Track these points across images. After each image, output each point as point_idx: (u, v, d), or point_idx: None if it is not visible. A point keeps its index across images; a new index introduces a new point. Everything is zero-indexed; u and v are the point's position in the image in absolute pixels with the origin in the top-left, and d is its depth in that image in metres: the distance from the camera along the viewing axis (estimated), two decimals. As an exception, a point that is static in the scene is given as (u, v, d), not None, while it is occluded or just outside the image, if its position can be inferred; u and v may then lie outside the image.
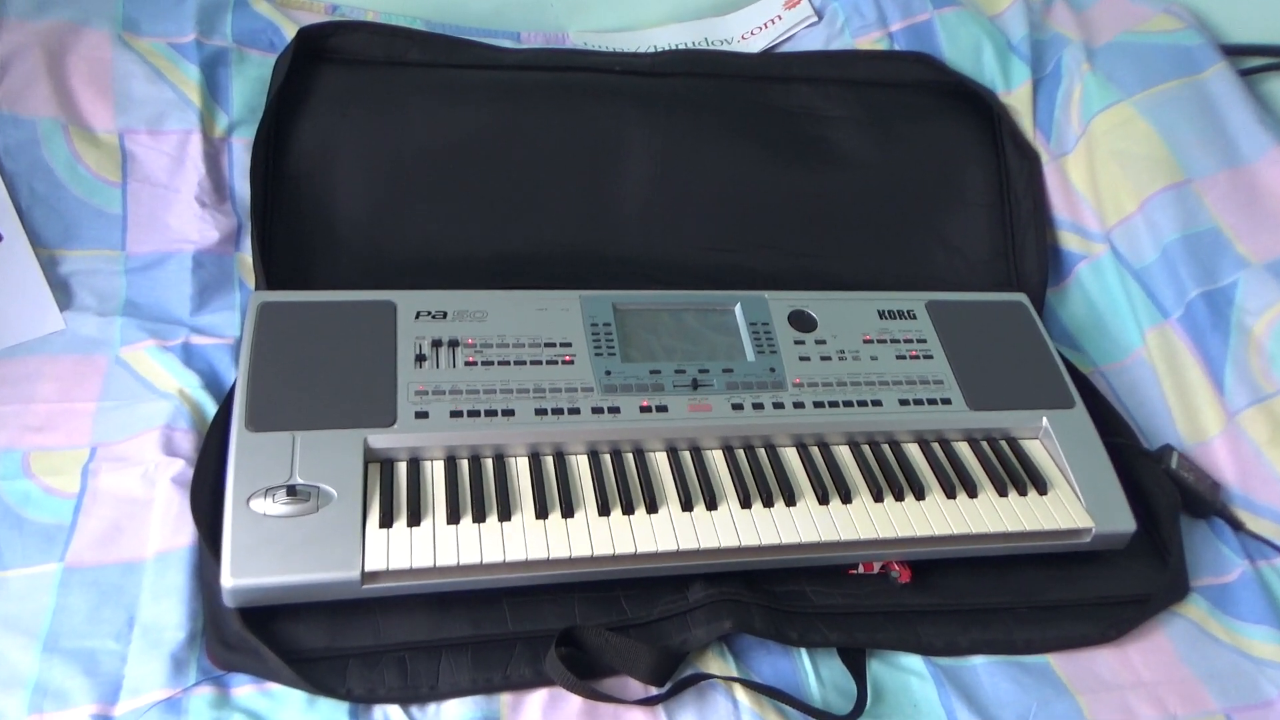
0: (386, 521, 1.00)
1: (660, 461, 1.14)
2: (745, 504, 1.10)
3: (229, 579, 0.94)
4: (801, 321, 1.29)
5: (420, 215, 1.41)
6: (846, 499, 1.12)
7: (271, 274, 1.30)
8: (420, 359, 1.14)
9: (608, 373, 1.17)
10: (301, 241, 1.35)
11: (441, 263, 1.39)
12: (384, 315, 1.17)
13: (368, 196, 1.39)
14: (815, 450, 1.19)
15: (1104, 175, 1.51)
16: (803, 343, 1.26)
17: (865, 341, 1.28)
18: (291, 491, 0.99)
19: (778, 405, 1.19)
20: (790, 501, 1.11)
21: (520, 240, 1.43)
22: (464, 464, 1.09)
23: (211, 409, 1.19)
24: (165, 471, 1.09)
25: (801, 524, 1.09)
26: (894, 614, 1.10)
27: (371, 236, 1.39)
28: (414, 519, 1.01)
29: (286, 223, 1.35)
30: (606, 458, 1.13)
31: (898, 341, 1.29)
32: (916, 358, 1.28)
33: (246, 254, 1.35)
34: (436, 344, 1.16)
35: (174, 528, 1.05)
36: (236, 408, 1.06)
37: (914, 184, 1.58)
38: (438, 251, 1.40)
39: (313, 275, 1.34)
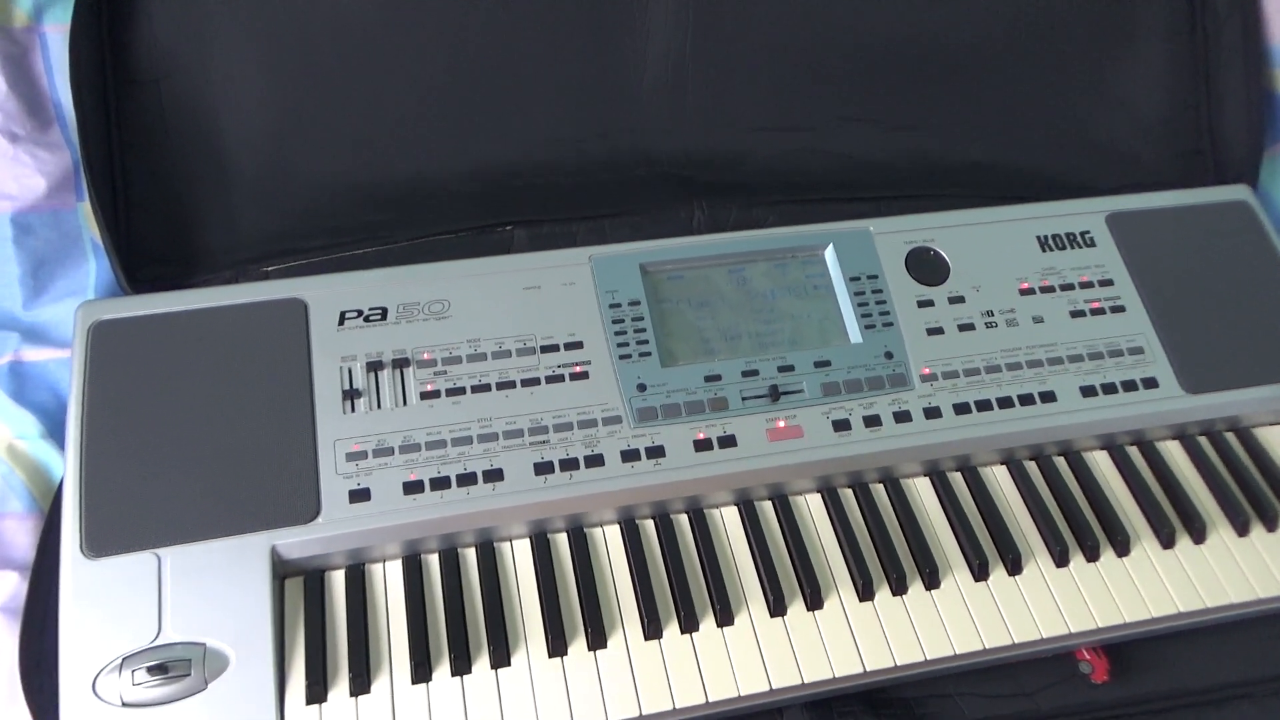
0: (317, 693, 0.64)
1: (730, 527, 0.75)
2: (865, 594, 0.72)
3: (72, 825, 0.60)
4: (926, 266, 0.86)
5: (348, 124, 0.96)
6: (1015, 567, 0.74)
7: (130, 245, 0.89)
8: (351, 396, 0.74)
9: (641, 386, 0.77)
10: (170, 184, 0.92)
11: (385, 196, 0.97)
12: (290, 323, 0.76)
13: (266, 102, 0.96)
14: (959, 479, 0.80)
15: (1361, -20, 1.00)
16: (930, 303, 0.84)
17: (1023, 292, 0.86)
18: (160, 669, 0.63)
19: (901, 416, 0.79)
20: (932, 582, 0.73)
21: (499, 149, 0.99)
22: (433, 563, 0.72)
23: (58, 467, 0.80)
24: (-9, 595, 0.73)
25: (953, 622, 0.71)
26: (1084, 722, 0.75)
27: (278, 164, 0.96)
28: (361, 681, 0.65)
29: (144, 156, 0.91)
30: (649, 527, 0.75)
31: (1071, 288, 0.87)
32: (1101, 312, 0.86)
33: (98, 203, 0.91)
34: (375, 367, 0.75)
35: (9, 690, 0.69)
36: (67, 517, 0.67)
37: (1061, 10, 1.07)
38: (378, 179, 0.97)
39: (195, 238, 0.91)
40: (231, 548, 0.67)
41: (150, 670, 0.62)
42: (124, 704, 0.62)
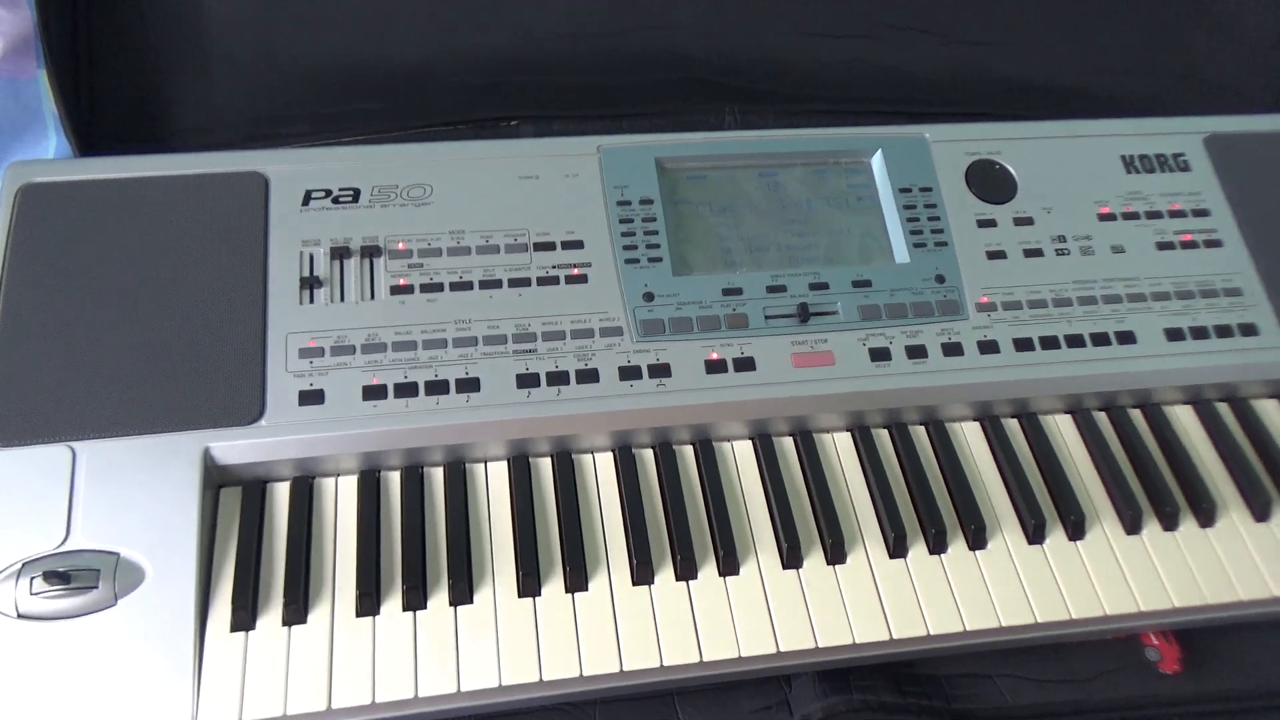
0: (243, 619, 0.55)
1: (742, 462, 0.65)
2: (897, 550, 0.61)
3: (-55, 751, 0.51)
4: (990, 181, 0.74)
5: (338, -2, 0.85)
6: (1078, 531, 0.63)
7: (91, 119, 0.81)
8: (310, 285, 0.64)
9: (648, 296, 0.66)
10: (139, 54, 0.83)
11: (378, 83, 0.88)
12: (246, 199, 0.66)
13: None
14: (1015, 426, 0.68)
15: None
16: (993, 223, 0.72)
17: (1102, 217, 0.74)
18: (59, 576, 0.53)
19: (951, 348, 0.67)
20: (977, 542, 0.62)
21: (508, 38, 0.90)
22: (393, 481, 0.62)
23: None
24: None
25: (1000, 589, 0.60)
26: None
27: (261, 39, 0.87)
28: (296, 609, 0.56)
29: (111, 20, 0.82)
30: (647, 457, 0.65)
31: (1159, 216, 0.74)
32: (1193, 245, 0.73)
33: (60, 73, 0.82)
34: (340, 254, 0.65)
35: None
36: (-29, 397, 0.58)
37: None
38: (371, 64, 0.87)
39: (163, 116, 0.83)
40: (158, 446, 0.58)
41: (50, 578, 0.53)
42: (19, 615, 0.53)
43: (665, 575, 0.59)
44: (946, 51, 0.94)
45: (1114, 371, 0.68)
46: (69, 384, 0.59)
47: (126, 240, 0.63)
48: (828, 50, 0.93)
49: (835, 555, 0.61)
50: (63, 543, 0.55)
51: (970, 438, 0.67)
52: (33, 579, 0.54)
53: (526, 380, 0.63)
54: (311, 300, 0.63)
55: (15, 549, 0.55)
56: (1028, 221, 0.73)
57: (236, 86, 0.85)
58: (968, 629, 0.59)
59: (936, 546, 0.62)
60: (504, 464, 0.63)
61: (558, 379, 0.63)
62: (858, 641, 0.58)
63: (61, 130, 0.84)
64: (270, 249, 0.64)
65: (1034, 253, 0.72)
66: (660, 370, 0.64)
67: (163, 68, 0.83)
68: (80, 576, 0.54)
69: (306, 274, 0.64)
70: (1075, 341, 0.69)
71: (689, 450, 0.65)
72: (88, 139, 0.80)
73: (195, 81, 0.84)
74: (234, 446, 0.59)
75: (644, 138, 0.72)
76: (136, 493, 0.57)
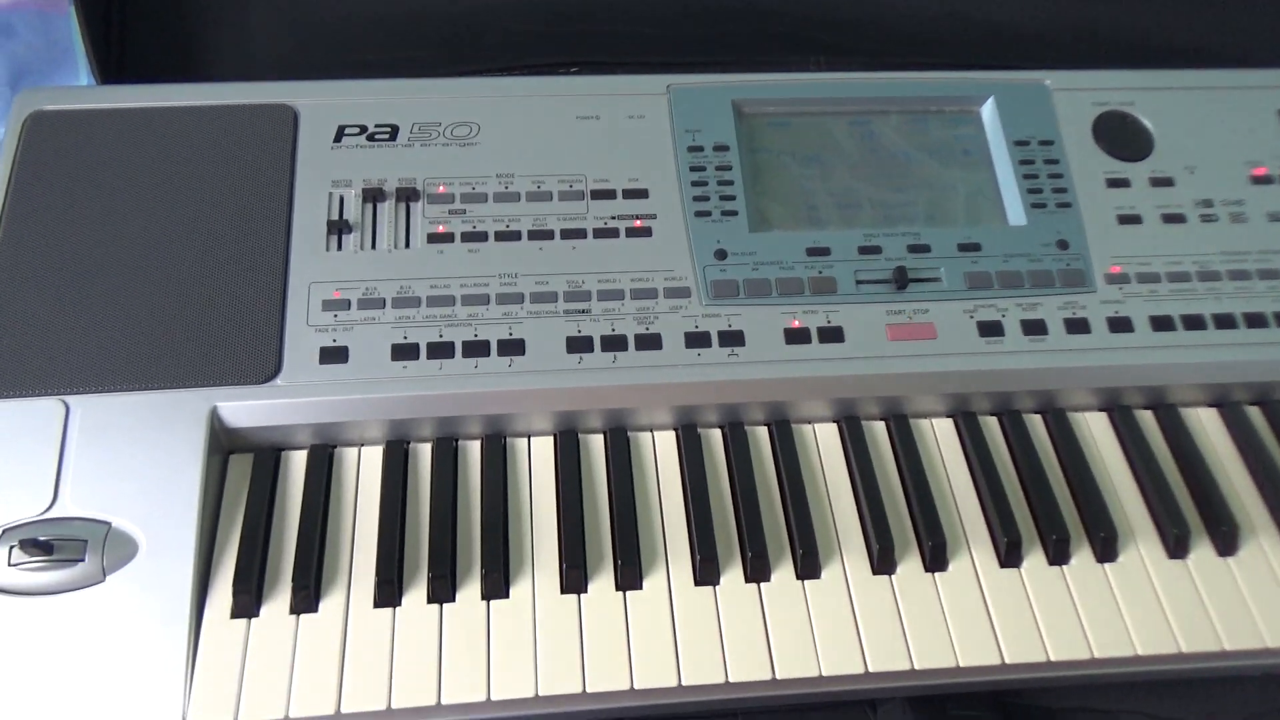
0: (245, 605, 0.48)
1: (826, 448, 0.56)
2: (1009, 558, 0.52)
3: (-95, 740, 0.45)
4: (1122, 136, 0.64)
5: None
6: (1228, 546, 0.53)
7: (121, 57, 0.76)
8: (339, 229, 0.57)
9: (720, 254, 0.57)
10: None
11: (430, 28, 0.82)
12: (273, 133, 0.59)
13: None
14: (1149, 419, 0.58)
15: None
16: (1125, 183, 0.62)
17: (1256, 180, 0.63)
18: (41, 546, 0.47)
19: (1075, 324, 0.58)
20: (1106, 553, 0.52)
21: None
22: (423, 454, 0.54)
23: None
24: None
25: (1134, 611, 0.51)
26: (1303, 773, 0.53)
27: None
28: (306, 596, 0.48)
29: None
30: (715, 438, 0.56)
31: (1326, 179, 0.63)
32: (1365, 215, 0.62)
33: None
34: (374, 196, 0.58)
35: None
36: (-41, 343, 0.52)
37: None
38: (423, 7, 0.81)
39: (199, 58, 0.78)
40: (161, 404, 0.51)
41: (30, 547, 0.47)
42: (-5, 589, 0.47)
43: (733, 576, 0.50)
44: (1054, 5, 0.84)
45: (1270, 359, 0.58)
46: (67, 330, 0.52)
47: (139, 175, 0.57)
48: (921, 3, 0.84)
49: (935, 561, 0.51)
50: (48, 508, 0.49)
51: (1095, 430, 0.57)
52: (11, 548, 0.47)
53: (578, 344, 0.54)
54: (339, 247, 0.56)
55: (-4, 513, 0.49)
56: (1167, 182, 0.62)
57: (275, 28, 0.78)
58: (1095, 656, 0.49)
59: (1058, 557, 0.52)
60: (549, 439, 0.55)
61: (614, 344, 0.55)
62: (961, 665, 0.48)
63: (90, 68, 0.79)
64: (296, 189, 0.57)
65: (1174, 218, 0.61)
66: (732, 338, 0.55)
67: (197, 5, 0.78)
68: (65, 547, 0.47)
69: (335, 217, 0.57)
70: (1224, 322, 0.58)
71: (763, 432, 0.56)
72: (114, 76, 0.75)
73: (231, 22, 0.78)
74: (245, 407, 0.52)
75: (720, 78, 0.63)
76: (134, 455, 0.50)
